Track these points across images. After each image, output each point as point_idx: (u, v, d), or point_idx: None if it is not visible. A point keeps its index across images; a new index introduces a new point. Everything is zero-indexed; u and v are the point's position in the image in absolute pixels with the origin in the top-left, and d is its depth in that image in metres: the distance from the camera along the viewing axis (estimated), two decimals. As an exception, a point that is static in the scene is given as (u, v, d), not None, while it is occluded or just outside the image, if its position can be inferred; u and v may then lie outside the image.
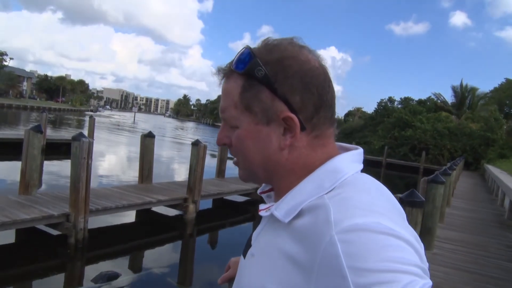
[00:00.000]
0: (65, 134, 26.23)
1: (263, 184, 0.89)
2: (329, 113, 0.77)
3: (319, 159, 0.77)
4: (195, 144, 9.87)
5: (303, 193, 0.73)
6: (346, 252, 0.58)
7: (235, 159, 0.84)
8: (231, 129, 0.80)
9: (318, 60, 0.78)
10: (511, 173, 17.50)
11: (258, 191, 0.91)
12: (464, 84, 44.45)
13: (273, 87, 0.73)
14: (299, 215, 0.70)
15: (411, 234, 0.65)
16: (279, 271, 0.68)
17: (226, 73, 0.80)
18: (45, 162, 15.39)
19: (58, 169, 15.46)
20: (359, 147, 0.82)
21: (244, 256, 0.84)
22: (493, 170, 20.32)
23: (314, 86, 0.74)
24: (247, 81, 0.75)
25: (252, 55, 0.75)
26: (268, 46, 0.77)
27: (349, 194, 0.68)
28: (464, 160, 30.37)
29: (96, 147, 17.02)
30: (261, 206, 0.81)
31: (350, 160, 0.78)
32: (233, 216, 11.70)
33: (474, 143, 33.46)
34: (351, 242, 0.59)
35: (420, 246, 0.65)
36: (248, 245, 0.84)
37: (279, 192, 0.80)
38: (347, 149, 0.82)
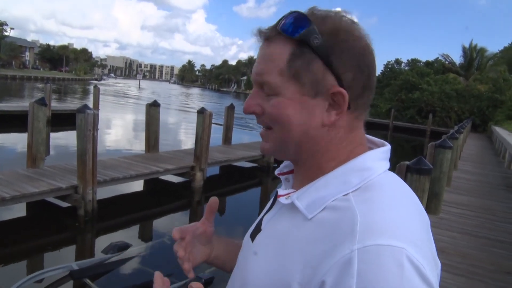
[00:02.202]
0: (70, 104, 26.28)
1: (282, 165, 0.87)
2: (371, 96, 0.75)
3: (353, 142, 0.75)
4: (201, 112, 9.83)
5: (328, 187, 0.71)
6: (361, 274, 0.57)
7: (262, 129, 0.78)
8: (265, 97, 0.74)
9: (368, 39, 0.74)
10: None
11: (276, 172, 0.89)
12: (473, 44, 43.57)
13: (328, 59, 0.69)
14: (322, 211, 0.69)
15: (431, 252, 0.65)
16: (294, 262, 0.66)
17: (269, 35, 0.73)
18: (52, 134, 15.48)
19: (64, 140, 15.52)
20: (386, 143, 0.79)
21: (253, 239, 0.81)
22: (501, 131, 20.18)
23: (366, 66, 0.72)
24: (298, 47, 0.70)
25: (308, 21, 0.69)
26: (320, 15, 0.71)
27: (379, 204, 0.66)
28: (472, 122, 30.16)
29: (102, 117, 17.11)
30: (280, 191, 0.78)
31: (379, 158, 0.75)
32: (240, 182, 11.80)
33: (482, 105, 33.17)
34: (370, 264, 0.57)
35: (436, 266, 0.66)
36: (257, 229, 0.82)
37: (303, 173, 0.77)
38: (374, 143, 0.80)
